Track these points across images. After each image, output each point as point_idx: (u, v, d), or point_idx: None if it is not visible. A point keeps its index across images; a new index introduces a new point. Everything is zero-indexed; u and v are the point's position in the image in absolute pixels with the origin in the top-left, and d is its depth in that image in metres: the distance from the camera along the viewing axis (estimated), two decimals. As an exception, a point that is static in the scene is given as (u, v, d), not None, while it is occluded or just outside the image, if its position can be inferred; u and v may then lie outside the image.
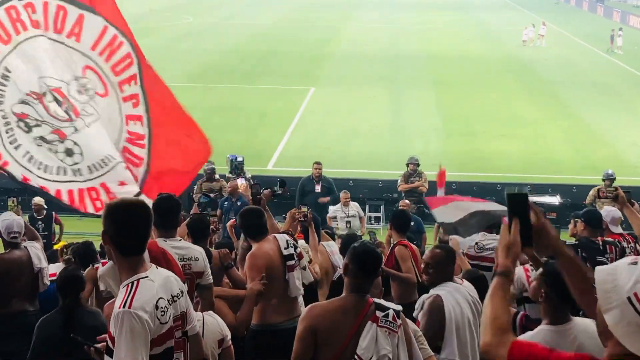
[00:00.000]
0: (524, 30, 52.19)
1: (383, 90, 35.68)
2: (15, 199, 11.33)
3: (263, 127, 27.91)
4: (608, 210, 9.27)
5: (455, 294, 6.42)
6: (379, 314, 4.92)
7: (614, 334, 2.83)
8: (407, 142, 25.69)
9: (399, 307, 5.11)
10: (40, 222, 15.51)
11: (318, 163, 17.58)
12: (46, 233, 15.43)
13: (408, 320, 5.79)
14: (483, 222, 8.35)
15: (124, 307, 4.00)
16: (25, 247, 8.41)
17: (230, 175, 18.06)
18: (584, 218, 9.25)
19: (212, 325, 5.78)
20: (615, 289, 2.83)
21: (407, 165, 17.78)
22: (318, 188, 17.26)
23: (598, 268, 2.94)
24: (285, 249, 7.33)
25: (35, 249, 8.42)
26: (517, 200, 3.51)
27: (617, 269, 2.87)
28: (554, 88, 37.09)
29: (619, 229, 9.04)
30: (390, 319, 4.94)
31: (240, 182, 10.17)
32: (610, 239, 8.74)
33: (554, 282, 4.93)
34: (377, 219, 18.84)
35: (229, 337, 5.93)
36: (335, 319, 4.89)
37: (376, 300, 5.05)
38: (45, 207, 15.83)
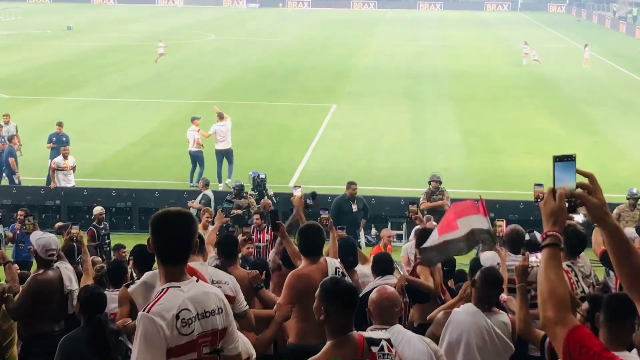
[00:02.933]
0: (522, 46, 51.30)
1: (405, 106, 35.66)
2: (31, 217, 11.39)
3: (285, 144, 27.96)
4: (630, 232, 9.21)
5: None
6: (374, 349, 4.72)
7: None
8: (429, 159, 25.66)
9: (388, 336, 4.94)
10: (103, 231, 15.68)
11: (353, 183, 17.65)
12: (109, 241, 15.62)
13: (426, 340, 5.77)
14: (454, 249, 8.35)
15: (144, 310, 4.14)
16: (57, 267, 8.43)
17: (252, 192, 18.16)
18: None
19: (241, 344, 5.79)
20: None
21: (430, 182, 17.76)
22: (355, 207, 17.32)
23: None
24: (332, 275, 7.30)
25: (67, 270, 8.45)
26: (563, 163, 3.34)
27: None
28: (577, 105, 36.89)
29: None
30: (385, 351, 4.76)
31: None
32: None
33: (616, 309, 4.81)
34: (400, 237, 18.78)
35: (254, 356, 5.95)
36: None
37: (365, 334, 4.82)
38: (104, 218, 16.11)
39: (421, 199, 17.63)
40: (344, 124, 31.57)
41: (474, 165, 25.37)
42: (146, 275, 6.08)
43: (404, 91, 39.51)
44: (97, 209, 16.13)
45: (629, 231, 9.45)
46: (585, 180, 3.36)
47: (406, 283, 8.23)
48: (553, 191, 3.33)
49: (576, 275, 7.69)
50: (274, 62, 48.92)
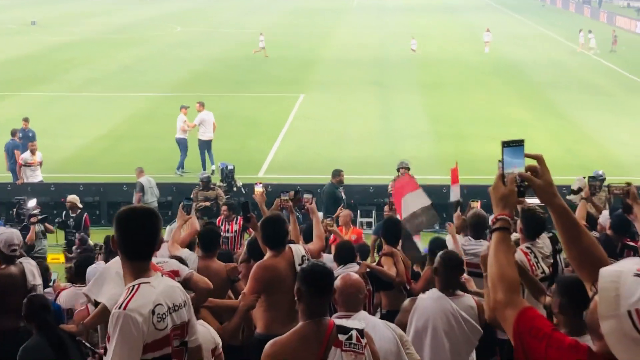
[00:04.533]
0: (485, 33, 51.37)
1: (373, 94, 35.72)
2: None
3: (254, 135, 27.92)
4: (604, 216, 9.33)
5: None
6: (341, 337, 4.72)
7: (605, 339, 2.83)
8: (398, 146, 25.71)
9: (362, 325, 4.92)
10: (71, 220, 15.73)
11: (342, 170, 17.62)
12: (74, 231, 15.68)
13: (392, 326, 5.80)
14: (418, 227, 8.43)
15: (119, 308, 4.13)
16: (20, 262, 8.37)
17: (221, 183, 18.14)
18: (612, 221, 9.39)
19: (205, 334, 5.79)
20: (616, 299, 2.79)
21: (398, 169, 17.81)
22: (343, 195, 17.39)
23: (603, 271, 2.88)
24: (299, 265, 7.30)
25: (30, 265, 8.39)
26: (512, 148, 3.37)
27: (621, 277, 2.81)
28: (543, 89, 37.19)
29: None
30: (354, 340, 4.74)
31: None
32: (631, 244, 8.76)
33: (571, 294, 4.90)
34: (369, 224, 18.83)
35: (221, 345, 5.96)
36: (298, 352, 4.69)
37: (337, 322, 4.85)
38: (80, 206, 16.11)
39: (390, 186, 17.68)
40: (312, 114, 31.57)
41: (442, 152, 25.46)
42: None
43: (371, 79, 39.55)
44: (70, 197, 16.29)
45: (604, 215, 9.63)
46: (535, 163, 3.39)
47: (368, 270, 8.26)
48: (502, 176, 3.36)
49: (535, 257, 7.77)
50: (241, 53, 48.72)
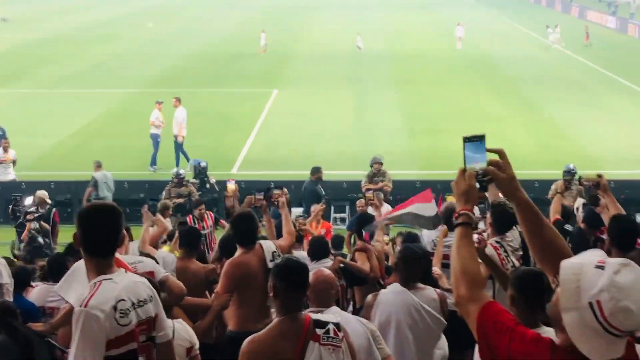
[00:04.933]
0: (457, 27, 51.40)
1: (347, 90, 35.73)
2: None
3: (227, 131, 27.83)
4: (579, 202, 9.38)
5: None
6: (319, 331, 4.70)
7: (568, 331, 2.84)
8: (372, 142, 25.71)
9: (338, 319, 4.92)
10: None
11: (319, 168, 17.73)
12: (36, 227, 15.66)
13: (364, 321, 5.79)
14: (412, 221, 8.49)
15: (81, 306, 4.11)
16: None
17: (194, 180, 18.07)
18: (585, 214, 9.44)
19: (181, 332, 5.75)
20: (577, 291, 2.81)
21: (371, 165, 17.82)
22: (323, 191, 17.43)
23: (564, 263, 2.90)
24: (270, 261, 7.28)
25: None
26: (473, 143, 3.37)
27: (582, 270, 2.84)
28: (517, 84, 37.40)
29: None
30: (331, 334, 4.73)
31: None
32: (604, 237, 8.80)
33: (522, 287, 4.92)
34: (343, 220, 18.84)
35: (197, 345, 5.91)
36: (276, 348, 4.67)
37: (313, 316, 4.83)
38: (49, 202, 16.02)
39: (363, 181, 17.71)
40: (286, 110, 31.53)
41: (417, 147, 25.52)
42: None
43: (346, 75, 39.57)
44: (39, 192, 16.20)
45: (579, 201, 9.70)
46: (496, 157, 3.39)
47: (342, 265, 8.24)
48: (463, 171, 3.36)
49: (505, 251, 7.78)
50: (215, 49, 48.59)
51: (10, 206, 16.18)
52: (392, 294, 6.58)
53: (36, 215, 14.71)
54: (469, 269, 3.20)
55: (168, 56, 45.25)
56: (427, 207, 10.36)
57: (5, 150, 19.91)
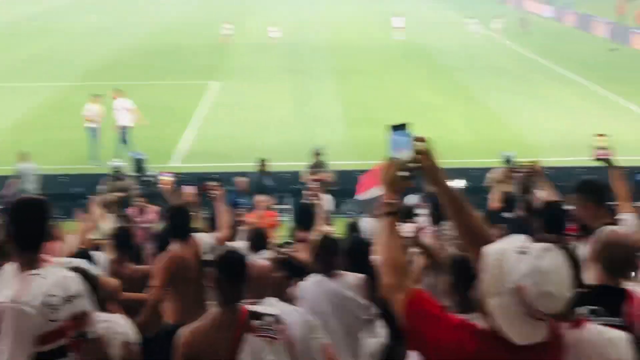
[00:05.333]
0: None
1: (288, 81, 35.70)
2: None
3: (168, 124, 27.59)
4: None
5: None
6: (255, 323, 4.73)
7: (492, 316, 2.90)
8: (313, 133, 25.77)
9: (277, 311, 4.95)
10: None
11: (264, 160, 17.91)
12: None
13: (301, 311, 5.81)
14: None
15: (10, 301, 4.06)
16: None
17: (133, 173, 17.91)
18: (520, 201, 9.58)
19: (117, 327, 5.70)
20: (501, 276, 2.87)
21: (313, 156, 17.88)
22: (270, 182, 17.44)
23: (487, 250, 2.96)
24: (206, 253, 7.27)
25: None
26: (398, 132, 3.40)
27: (505, 255, 2.90)
28: (455, 74, 37.75)
29: None
30: (268, 326, 4.77)
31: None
32: None
33: (458, 273, 4.99)
34: (286, 211, 18.81)
35: (135, 339, 5.86)
36: (211, 339, 4.69)
37: (252, 308, 4.86)
38: None
39: (305, 172, 17.76)
40: (228, 101, 31.39)
41: (357, 137, 25.62)
42: None
43: (287, 66, 39.52)
44: None
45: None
46: (422, 146, 3.42)
47: (282, 257, 8.26)
48: (389, 160, 3.43)
49: (444, 241, 7.88)
50: (155, 41, 48.11)
51: None
52: (311, 284, 6.61)
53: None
54: (395, 258, 3.24)
55: (106, 48, 44.62)
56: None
57: None
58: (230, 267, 4.84)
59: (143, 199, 14.64)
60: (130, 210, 15.01)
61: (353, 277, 6.80)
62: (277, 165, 21.33)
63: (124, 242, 7.99)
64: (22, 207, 4.32)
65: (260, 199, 13.69)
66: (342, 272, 6.80)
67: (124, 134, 23.00)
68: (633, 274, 5.85)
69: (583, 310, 4.17)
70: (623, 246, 4.39)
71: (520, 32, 52.53)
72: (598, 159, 6.78)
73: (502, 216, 10.29)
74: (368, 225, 9.81)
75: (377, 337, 7.42)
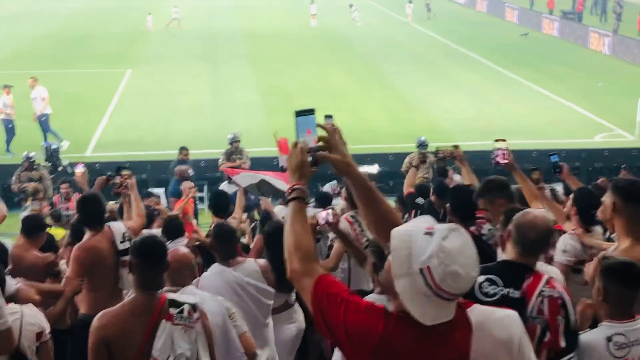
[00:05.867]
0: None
1: (202, 68, 35.42)
2: None
3: (80, 113, 27.11)
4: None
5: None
6: (172, 311, 4.74)
7: (400, 297, 2.96)
8: (229, 120, 25.65)
9: (196, 300, 4.96)
10: None
11: (185, 148, 17.61)
12: None
13: (219, 299, 5.82)
14: (269, 192, 8.64)
15: None
16: None
17: (45, 163, 17.56)
18: (434, 186, 9.72)
19: (30, 317, 5.62)
20: (408, 258, 2.91)
21: (230, 143, 17.82)
22: (192, 171, 17.15)
23: (394, 231, 3.00)
24: (121, 242, 7.20)
25: None
26: (304, 117, 3.39)
27: (411, 237, 2.95)
28: (368, 60, 38.01)
29: None
30: (185, 314, 4.77)
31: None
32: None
33: (378, 252, 5.02)
34: (201, 199, 18.74)
35: (48, 330, 5.79)
36: (126, 324, 4.68)
37: (170, 295, 4.87)
38: None
39: (220, 160, 17.68)
40: (140, 90, 30.98)
41: (274, 125, 25.52)
42: None
43: (200, 53, 39.20)
44: None
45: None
46: (329, 130, 3.46)
47: (197, 243, 8.25)
48: (295, 145, 3.40)
49: (360, 226, 7.95)
50: (64, 29, 47.08)
51: None
52: (212, 275, 6.60)
53: None
54: (302, 243, 3.25)
55: (13, 37, 43.51)
56: (248, 177, 10.50)
57: None
58: (150, 253, 4.83)
59: (68, 187, 14.48)
60: (55, 198, 14.84)
61: (253, 263, 6.81)
62: (193, 153, 21.19)
63: (29, 230, 7.84)
64: None
65: (188, 185, 13.58)
66: (242, 259, 6.81)
67: (45, 122, 22.51)
68: (551, 252, 6.03)
69: (504, 291, 4.33)
70: (535, 227, 4.54)
71: (426, 17, 53.13)
72: (498, 164, 6.93)
73: (415, 202, 10.43)
74: (280, 211, 9.85)
75: (295, 322, 7.48)
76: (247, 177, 10.65)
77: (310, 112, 3.39)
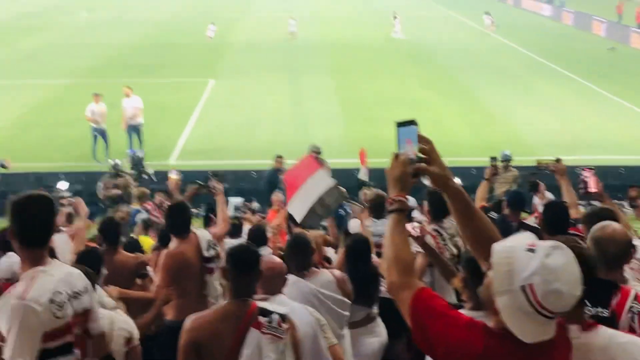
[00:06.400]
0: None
1: (284, 79, 35.66)
2: None
3: (164, 121, 27.57)
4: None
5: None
6: (262, 319, 4.74)
7: (500, 314, 2.90)
8: (310, 130, 25.78)
9: (286, 311, 4.94)
10: None
11: (280, 156, 17.95)
12: None
13: (310, 310, 5.80)
14: (327, 210, 8.44)
15: (17, 298, 4.04)
16: None
17: (131, 171, 17.91)
18: (507, 198, 9.53)
19: (121, 323, 5.71)
20: (510, 274, 2.86)
21: (309, 153, 17.85)
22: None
23: (496, 247, 2.95)
24: (206, 250, 7.27)
25: None
26: (405, 128, 3.35)
27: (514, 253, 2.89)
28: (451, 72, 37.74)
29: None
30: (274, 324, 4.77)
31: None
32: (528, 222, 8.88)
33: (474, 268, 4.97)
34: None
35: (137, 335, 5.88)
36: (216, 329, 4.71)
37: (260, 304, 4.87)
38: None
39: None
40: (223, 99, 31.36)
41: (353, 135, 25.61)
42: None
43: (281, 64, 39.48)
44: None
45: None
46: (428, 143, 3.40)
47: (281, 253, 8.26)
48: (397, 156, 3.36)
49: (443, 239, 7.85)
50: (150, 38, 48.03)
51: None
52: (287, 287, 6.58)
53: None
54: (402, 255, 3.21)
55: (102, 46, 44.54)
56: (319, 180, 10.24)
57: None
58: (244, 261, 4.86)
59: (163, 195, 14.65)
60: (149, 205, 15.09)
61: (328, 274, 6.77)
62: (270, 163, 21.36)
63: (105, 235, 7.98)
64: (28, 203, 4.28)
65: (276, 197, 13.71)
66: (316, 270, 6.79)
67: (136, 131, 22.92)
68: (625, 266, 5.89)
69: (593, 311, 4.20)
70: (615, 240, 4.43)
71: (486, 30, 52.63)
72: (588, 194, 6.77)
73: (488, 216, 10.26)
74: (353, 226, 9.78)
75: (377, 336, 7.42)
76: (298, 206, 10.30)
77: (412, 123, 3.35)
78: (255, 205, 16.69)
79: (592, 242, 4.44)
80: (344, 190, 8.92)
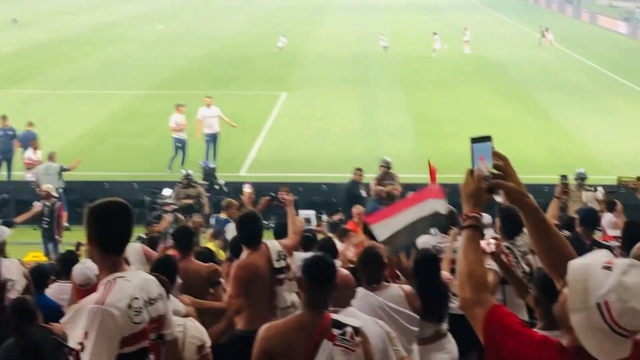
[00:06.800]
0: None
1: (355, 92, 35.75)
2: None
3: (235, 133, 27.78)
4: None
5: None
6: (335, 331, 4.75)
7: (575, 332, 2.87)
8: (380, 144, 25.76)
9: (359, 324, 4.93)
10: (46, 208, 15.75)
11: (360, 169, 17.84)
12: (48, 219, 15.85)
13: (380, 322, 5.80)
14: (420, 231, 8.34)
15: (97, 303, 4.12)
16: None
17: (203, 182, 18.14)
18: (579, 216, 9.39)
19: (193, 331, 5.80)
20: (585, 292, 2.83)
21: (380, 167, 17.85)
22: (364, 193, 17.52)
23: (571, 264, 2.92)
24: (277, 261, 7.34)
25: (9, 262, 8.31)
26: (480, 144, 3.32)
27: (589, 270, 2.86)
28: (524, 88, 37.36)
29: (615, 232, 9.01)
30: (347, 337, 4.77)
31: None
32: (602, 241, 8.73)
33: (546, 287, 4.91)
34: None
35: (209, 344, 5.96)
36: (290, 339, 4.74)
37: (334, 316, 4.88)
38: (55, 195, 16.10)
39: (372, 184, 17.73)
40: (294, 112, 31.57)
41: (424, 150, 25.50)
42: None
43: (353, 77, 39.59)
44: (45, 186, 16.46)
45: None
46: (502, 159, 3.38)
47: (351, 266, 8.29)
48: (471, 172, 3.34)
49: (516, 258, 7.77)
50: (224, 50, 48.65)
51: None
52: (356, 299, 6.57)
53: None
54: (475, 272, 3.19)
55: (176, 57, 45.27)
56: (436, 203, 10.12)
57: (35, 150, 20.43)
58: (320, 272, 4.89)
59: (238, 203, 14.79)
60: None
61: (398, 289, 6.76)
62: (344, 176, 21.39)
63: (183, 240, 8.08)
64: (107, 210, 4.36)
65: (358, 210, 13.75)
66: (386, 284, 6.78)
67: (214, 140, 23.22)
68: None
69: None
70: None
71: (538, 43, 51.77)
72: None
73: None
74: (423, 242, 9.72)
75: (448, 352, 7.38)
76: (385, 228, 10.21)
77: (487, 139, 3.32)
78: (336, 217, 16.67)
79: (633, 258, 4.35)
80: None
